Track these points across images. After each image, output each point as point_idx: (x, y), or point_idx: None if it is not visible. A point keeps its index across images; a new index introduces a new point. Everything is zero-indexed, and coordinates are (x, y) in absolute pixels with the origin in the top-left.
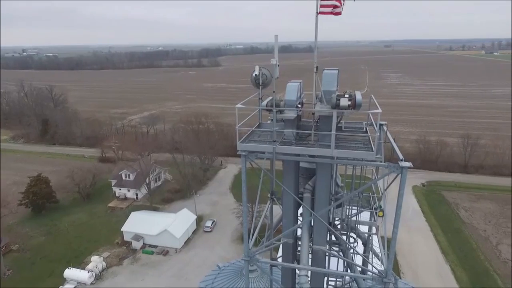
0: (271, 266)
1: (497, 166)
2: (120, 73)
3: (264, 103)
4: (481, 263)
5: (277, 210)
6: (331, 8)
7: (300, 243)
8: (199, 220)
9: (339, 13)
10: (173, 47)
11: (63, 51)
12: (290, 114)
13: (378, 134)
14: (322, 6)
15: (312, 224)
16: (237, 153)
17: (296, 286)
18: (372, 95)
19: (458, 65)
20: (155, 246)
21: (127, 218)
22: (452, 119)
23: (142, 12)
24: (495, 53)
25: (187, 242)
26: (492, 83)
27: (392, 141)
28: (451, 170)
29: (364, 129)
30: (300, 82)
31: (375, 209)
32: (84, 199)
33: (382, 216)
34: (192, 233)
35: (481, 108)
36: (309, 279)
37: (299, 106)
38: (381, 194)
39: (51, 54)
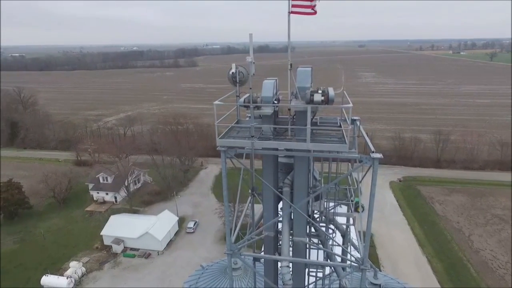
0: (254, 260)
1: (467, 160)
2: (93, 74)
3: (242, 100)
4: (455, 254)
5: (258, 208)
6: (304, 8)
7: (281, 236)
8: (181, 221)
9: (312, 13)
10: (148, 47)
11: (30, 51)
12: (267, 110)
13: (351, 127)
14: (294, 6)
15: (292, 217)
16: (217, 149)
17: (279, 277)
18: (345, 92)
19: (428, 64)
20: (137, 249)
21: (106, 222)
22: (424, 116)
23: (113, 11)
24: (461, 53)
25: (170, 244)
26: (459, 81)
27: (365, 134)
28: (425, 165)
29: (338, 124)
30: (276, 80)
31: (352, 201)
32: (60, 204)
33: (359, 212)
34: (174, 234)
35: (451, 105)
36: (290, 270)
37: (276, 102)
38: (357, 187)
39: (17, 54)
